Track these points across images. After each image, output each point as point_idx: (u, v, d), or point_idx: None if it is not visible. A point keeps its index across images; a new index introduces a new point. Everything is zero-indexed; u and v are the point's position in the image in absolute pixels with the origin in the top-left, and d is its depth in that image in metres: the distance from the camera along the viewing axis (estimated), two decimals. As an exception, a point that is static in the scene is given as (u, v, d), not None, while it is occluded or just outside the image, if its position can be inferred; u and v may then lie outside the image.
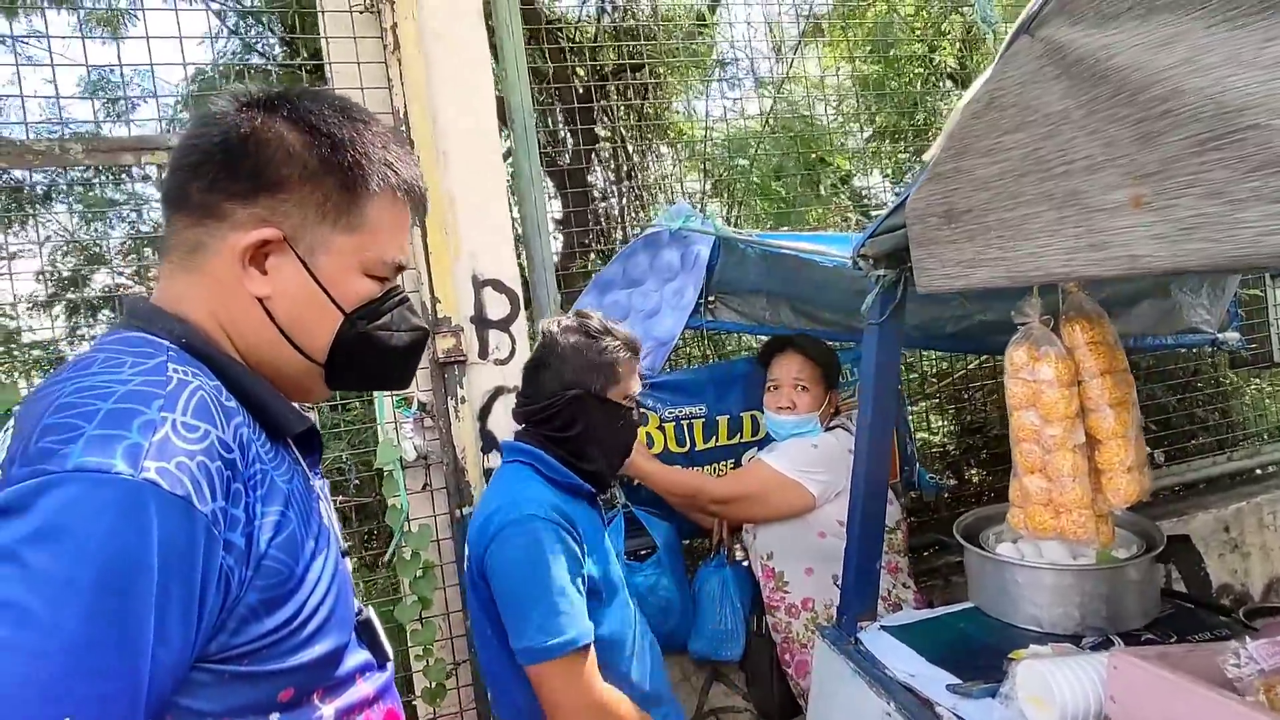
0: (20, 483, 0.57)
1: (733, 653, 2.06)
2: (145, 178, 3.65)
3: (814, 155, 3.73)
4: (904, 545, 1.96)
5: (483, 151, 1.96)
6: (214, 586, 0.62)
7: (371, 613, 0.87)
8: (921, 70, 4.09)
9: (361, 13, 1.87)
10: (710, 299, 2.27)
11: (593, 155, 4.23)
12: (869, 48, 3.88)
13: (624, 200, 4.28)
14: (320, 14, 1.87)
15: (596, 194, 4.26)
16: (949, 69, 4.19)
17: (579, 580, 1.28)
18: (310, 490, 0.81)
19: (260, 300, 0.76)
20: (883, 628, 1.50)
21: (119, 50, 1.93)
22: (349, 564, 0.88)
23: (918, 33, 4.10)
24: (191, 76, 2.87)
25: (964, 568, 1.61)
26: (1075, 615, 1.37)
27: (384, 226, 0.81)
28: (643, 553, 2.05)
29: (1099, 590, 1.37)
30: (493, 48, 2.11)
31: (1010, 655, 1.29)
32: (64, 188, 3.54)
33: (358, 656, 0.80)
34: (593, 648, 1.24)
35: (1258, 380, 3.45)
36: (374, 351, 0.83)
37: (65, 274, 3.32)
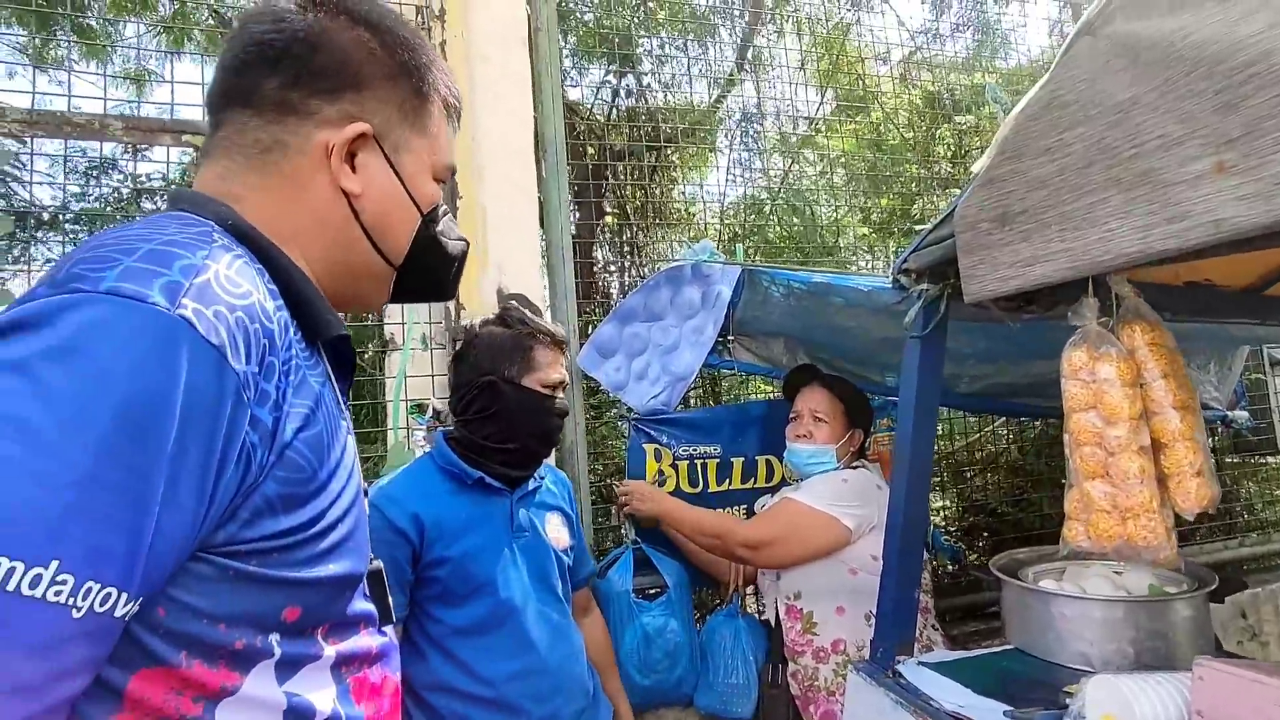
0: (44, 299, 0.51)
1: (743, 710, 1.91)
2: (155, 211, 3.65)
3: (810, 246, 3.82)
4: (931, 587, 1.87)
5: (517, 172, 1.99)
6: (234, 458, 0.56)
7: (382, 565, 0.79)
8: (918, 172, 4.27)
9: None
10: (729, 339, 2.26)
11: (598, 231, 4.32)
12: (864, 152, 4.04)
13: (626, 276, 4.34)
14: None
15: (598, 268, 4.33)
16: (944, 174, 4.38)
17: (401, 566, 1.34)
18: (340, 410, 0.75)
19: (349, 200, 0.73)
20: (921, 663, 1.40)
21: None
22: (366, 506, 0.81)
23: (910, 145, 4.29)
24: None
25: (1000, 612, 1.53)
26: (1129, 652, 1.29)
27: (442, 132, 0.81)
28: (651, 592, 1.93)
29: (1154, 625, 1.29)
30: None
31: (1066, 689, 1.20)
32: (71, 215, 3.52)
33: (363, 605, 0.73)
34: None
35: (1263, 465, 3.44)
36: (437, 256, 0.83)
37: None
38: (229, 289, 0.58)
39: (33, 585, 0.46)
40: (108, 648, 0.51)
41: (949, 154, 4.37)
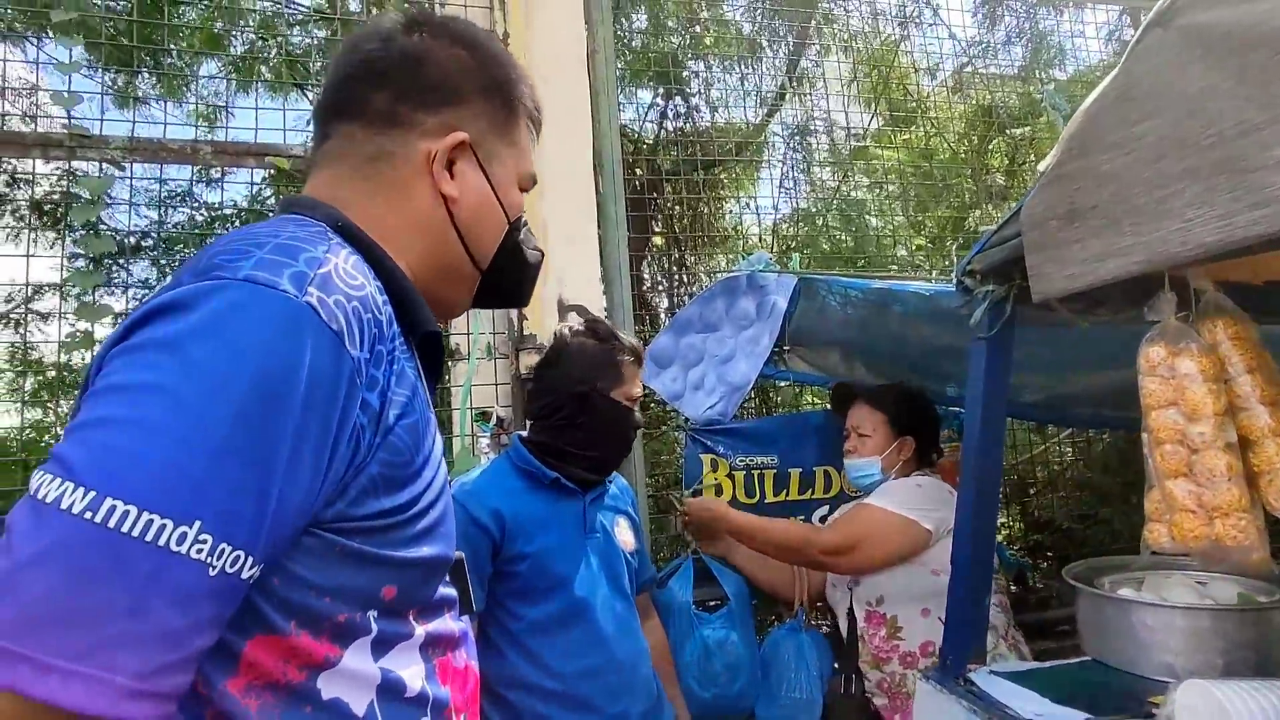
0: (190, 285, 0.57)
1: (807, 725, 1.88)
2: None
3: (860, 262, 3.79)
4: (1006, 603, 1.82)
5: (576, 187, 2.04)
6: (347, 437, 0.59)
7: (464, 557, 0.83)
8: (971, 185, 4.20)
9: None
10: (785, 349, 2.26)
11: (647, 250, 4.37)
12: (916, 161, 4.02)
13: (674, 295, 4.36)
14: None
15: (646, 288, 4.38)
16: (998, 186, 4.30)
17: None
18: (429, 404, 0.79)
19: (447, 204, 0.78)
20: (993, 672, 1.36)
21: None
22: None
23: (962, 159, 4.24)
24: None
25: (1071, 628, 1.48)
26: (1218, 664, 1.23)
27: (526, 145, 0.86)
28: (712, 603, 1.92)
29: (1244, 636, 1.24)
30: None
31: (1151, 699, 1.16)
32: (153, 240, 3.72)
33: (448, 589, 0.77)
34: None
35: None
36: (519, 264, 0.87)
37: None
38: (348, 281, 0.62)
39: (179, 542, 0.50)
40: (232, 607, 0.55)
41: (1004, 166, 4.30)
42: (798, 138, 3.84)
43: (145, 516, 0.49)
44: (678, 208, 4.33)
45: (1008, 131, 4.08)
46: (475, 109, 0.79)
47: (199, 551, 0.50)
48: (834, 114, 3.72)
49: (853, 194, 3.98)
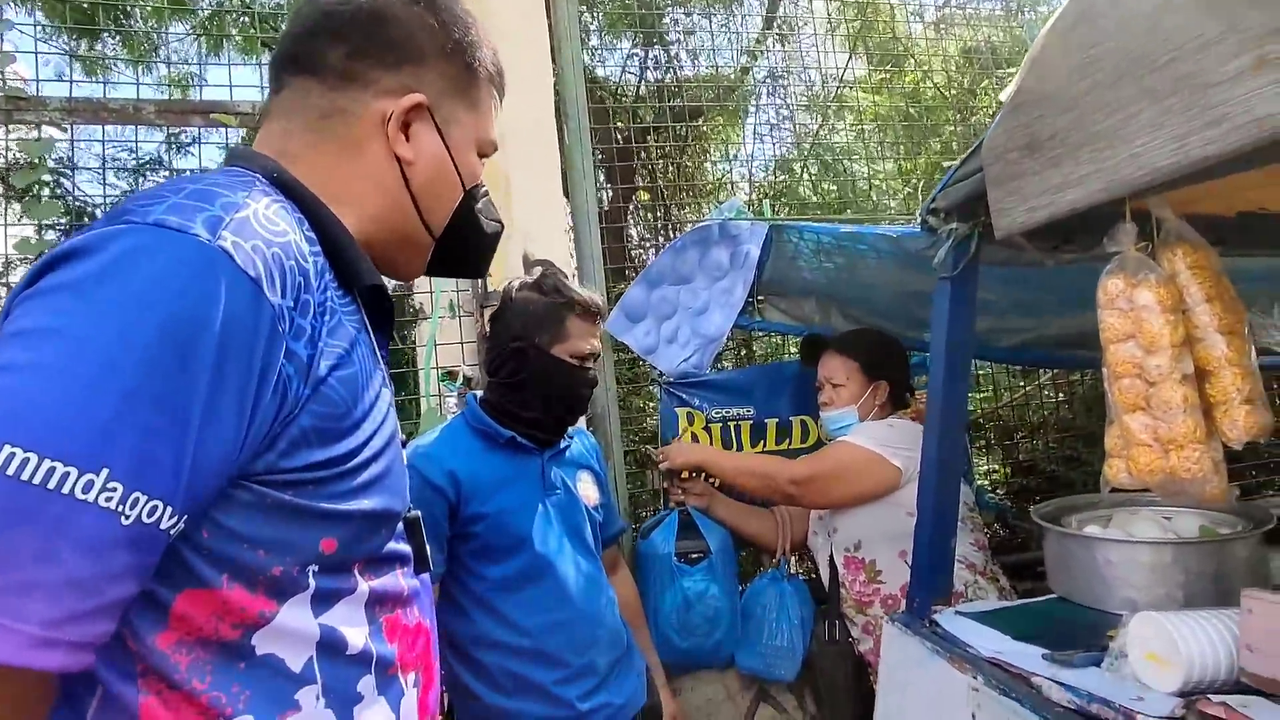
0: (99, 230, 0.55)
1: (788, 672, 1.91)
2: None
3: (847, 211, 3.73)
4: (982, 540, 1.82)
5: (539, 140, 1.99)
6: (271, 385, 0.58)
7: (420, 515, 0.81)
8: (957, 130, 4.11)
9: (430, 4, 1.95)
10: (759, 299, 2.23)
11: (633, 205, 4.31)
12: (901, 114, 3.92)
13: (660, 250, 4.30)
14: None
15: (632, 246, 4.32)
16: (985, 129, 4.19)
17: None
18: (375, 360, 0.76)
19: (401, 166, 0.76)
20: (958, 613, 1.37)
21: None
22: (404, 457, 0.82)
23: (948, 102, 4.15)
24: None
25: (1044, 560, 1.48)
26: (1179, 597, 1.24)
27: (488, 109, 0.84)
28: (694, 556, 1.93)
29: (1205, 568, 1.24)
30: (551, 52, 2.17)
31: (1110, 633, 1.16)
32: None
33: (400, 546, 0.75)
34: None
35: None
36: (474, 232, 0.85)
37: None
38: (267, 226, 0.60)
39: (85, 490, 0.48)
40: (154, 557, 0.54)
41: (992, 108, 4.20)
42: (778, 81, 3.74)
43: (47, 464, 0.48)
44: (661, 161, 4.25)
45: (995, 73, 3.98)
46: (435, 70, 0.77)
47: (108, 500, 0.49)
48: (817, 56, 3.62)
49: (832, 137, 3.90)
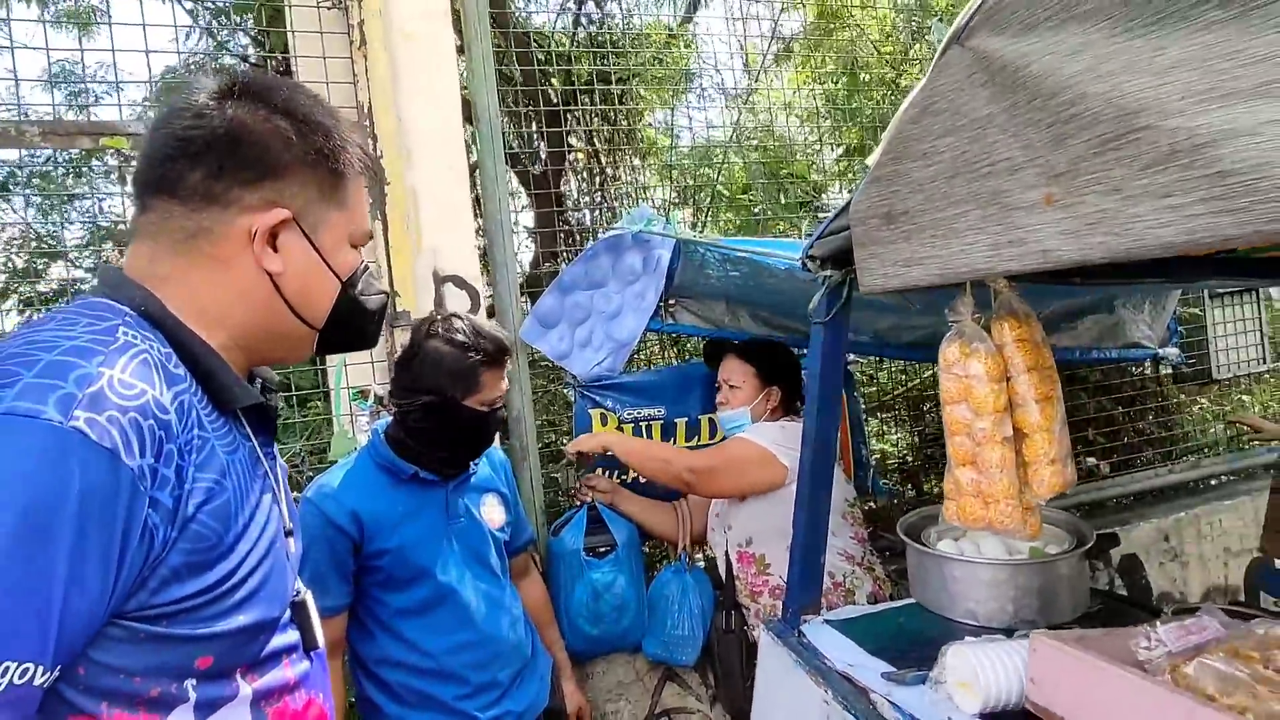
0: None
1: (688, 657, 2.08)
2: (106, 173, 3.60)
3: (782, 171, 3.81)
4: (861, 533, 2.00)
5: (447, 149, 1.98)
6: (136, 540, 0.63)
7: (309, 597, 0.88)
8: (889, 93, 4.19)
9: (329, 8, 1.89)
10: (671, 302, 2.31)
11: (565, 166, 4.27)
12: (837, 70, 3.98)
13: (596, 210, 4.33)
14: (288, 8, 1.89)
15: (569, 204, 4.31)
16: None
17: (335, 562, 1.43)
18: (257, 465, 0.82)
19: (272, 277, 0.79)
20: (826, 621, 1.53)
21: (80, 40, 1.91)
22: (294, 544, 0.89)
23: (886, 57, 4.21)
24: (160, 74, 2.87)
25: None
26: (1009, 609, 1.41)
27: (359, 202, 0.87)
28: (602, 550, 2.06)
29: (1031, 584, 1.41)
30: (460, 51, 2.14)
31: (942, 650, 1.33)
32: (21, 179, 3.48)
33: (287, 637, 0.81)
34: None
35: (1203, 400, 3.58)
36: (359, 314, 0.89)
37: (20, 267, 3.25)
38: (122, 393, 0.64)
39: None
40: (32, 709, 0.60)
41: (921, 74, 4.26)
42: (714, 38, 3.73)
43: None
44: (595, 120, 4.20)
45: (928, 36, 4.02)
46: (298, 180, 0.79)
47: None
48: (753, 20, 3.60)
49: (763, 116, 3.93)
